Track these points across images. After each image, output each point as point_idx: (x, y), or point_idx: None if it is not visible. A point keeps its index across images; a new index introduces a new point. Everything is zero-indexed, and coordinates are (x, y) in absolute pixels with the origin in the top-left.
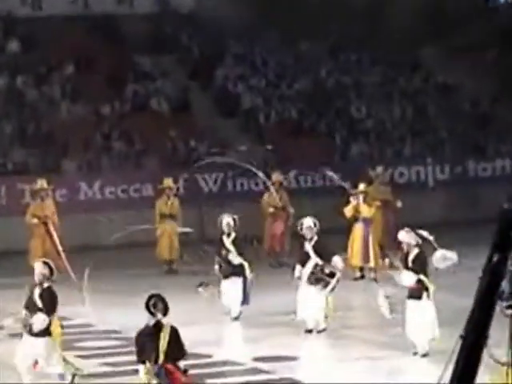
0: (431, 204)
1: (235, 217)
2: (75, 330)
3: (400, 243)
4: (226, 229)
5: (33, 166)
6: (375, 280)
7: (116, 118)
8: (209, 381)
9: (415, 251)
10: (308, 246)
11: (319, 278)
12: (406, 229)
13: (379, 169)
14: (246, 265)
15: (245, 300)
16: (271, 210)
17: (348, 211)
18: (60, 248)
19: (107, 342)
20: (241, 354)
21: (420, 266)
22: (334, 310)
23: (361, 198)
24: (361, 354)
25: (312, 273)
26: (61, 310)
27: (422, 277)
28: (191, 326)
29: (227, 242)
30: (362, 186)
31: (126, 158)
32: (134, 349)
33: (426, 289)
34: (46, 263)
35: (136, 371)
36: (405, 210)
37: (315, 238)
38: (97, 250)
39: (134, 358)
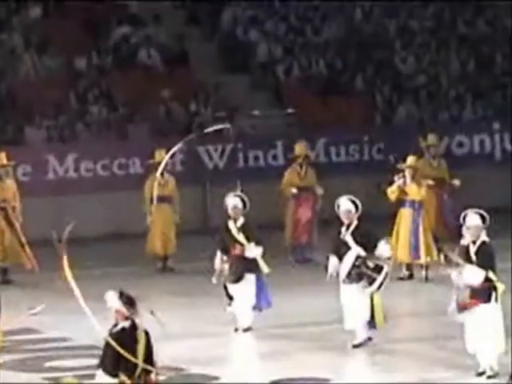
0: (498, 182)
1: (244, 196)
2: (46, 345)
3: (460, 231)
4: (232, 213)
5: None
6: (427, 280)
7: (94, 75)
8: None
9: (479, 241)
10: (346, 234)
11: (362, 273)
12: (474, 209)
13: (432, 137)
14: (259, 258)
15: (259, 304)
16: (294, 190)
17: (392, 192)
18: (23, 240)
19: (85, 361)
20: (255, 375)
21: (487, 259)
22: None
23: (408, 175)
24: (409, 375)
25: (353, 266)
26: (26, 320)
27: (490, 274)
28: (191, 338)
29: (234, 229)
30: (410, 160)
31: (108, 126)
32: None
33: (494, 289)
34: None
35: None
36: (465, 191)
37: (355, 222)
38: (70, 243)
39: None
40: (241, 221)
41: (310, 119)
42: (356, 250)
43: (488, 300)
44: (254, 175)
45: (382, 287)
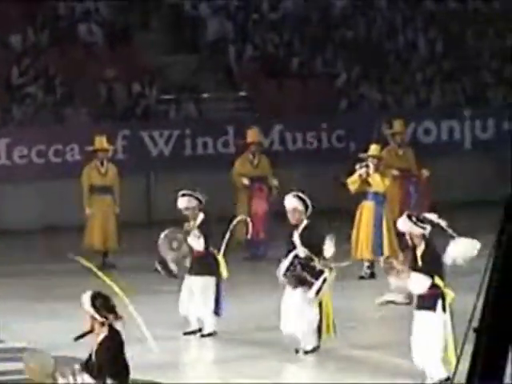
0: (468, 173)
1: (198, 195)
2: None
3: (403, 236)
4: (186, 213)
5: None
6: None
7: (29, 53)
8: None
9: (422, 245)
10: (295, 234)
11: (298, 276)
12: (406, 213)
13: (397, 124)
14: (220, 258)
15: (217, 309)
16: (246, 181)
17: (352, 183)
18: None
19: (15, 365)
20: (207, 381)
21: (433, 264)
22: (332, 324)
23: (371, 165)
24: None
25: (289, 268)
26: None
27: (437, 280)
28: (134, 341)
29: (192, 226)
30: (373, 149)
31: (44, 108)
32: None
33: (442, 297)
34: None
35: None
36: (432, 182)
37: (304, 222)
38: (2, 236)
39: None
40: (200, 218)
41: (265, 103)
42: (297, 251)
43: (433, 309)
44: (203, 164)
45: (320, 293)
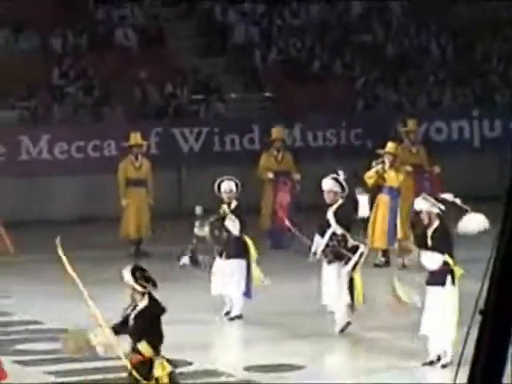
0: (477, 170)
1: (237, 181)
2: (14, 328)
3: (417, 216)
4: (225, 196)
5: None
6: (404, 266)
7: (69, 55)
8: None
9: (436, 223)
10: (329, 213)
11: (337, 252)
12: (424, 195)
13: (411, 123)
14: (250, 243)
15: (248, 291)
16: (270, 175)
17: (369, 178)
18: None
19: (55, 345)
20: (230, 361)
21: (443, 242)
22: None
23: (387, 161)
24: (383, 364)
25: (328, 244)
26: None
27: (447, 257)
28: (166, 324)
29: (221, 211)
30: (389, 146)
31: (83, 107)
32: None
33: (451, 272)
34: None
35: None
36: (442, 178)
37: (339, 201)
38: (43, 226)
39: (86, 365)
40: (234, 204)
41: (288, 103)
42: (334, 228)
43: (443, 284)
44: (230, 159)
45: (358, 267)
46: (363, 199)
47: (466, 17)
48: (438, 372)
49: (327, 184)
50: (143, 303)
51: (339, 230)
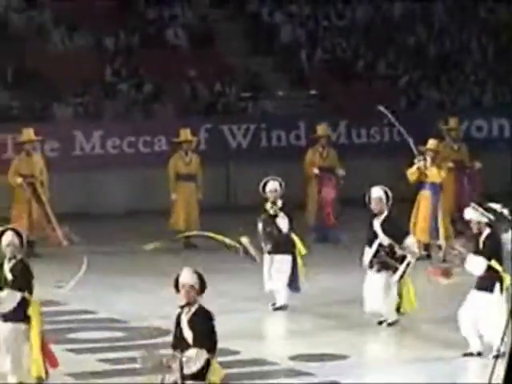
0: None
1: (281, 181)
2: (69, 317)
3: (467, 224)
4: (271, 195)
5: (17, 111)
6: (444, 261)
7: (122, 53)
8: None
9: (486, 231)
10: (376, 223)
11: (384, 262)
12: (473, 205)
13: (453, 121)
14: (297, 239)
15: (296, 285)
16: (316, 170)
17: (411, 174)
18: (51, 215)
19: (108, 334)
20: (276, 350)
21: (491, 249)
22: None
23: (429, 157)
24: (424, 355)
25: (375, 255)
26: (51, 293)
27: (493, 263)
28: (216, 314)
29: (272, 210)
30: (431, 143)
31: (134, 104)
32: (139, 342)
33: (500, 280)
34: (15, 231)
35: (139, 371)
36: (483, 174)
37: (385, 212)
38: (96, 219)
39: (136, 353)
40: (279, 203)
41: (333, 101)
42: (381, 239)
43: (491, 290)
44: (277, 155)
45: (405, 276)
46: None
47: (506, 17)
48: (478, 362)
49: (377, 192)
50: (195, 306)
51: (386, 241)
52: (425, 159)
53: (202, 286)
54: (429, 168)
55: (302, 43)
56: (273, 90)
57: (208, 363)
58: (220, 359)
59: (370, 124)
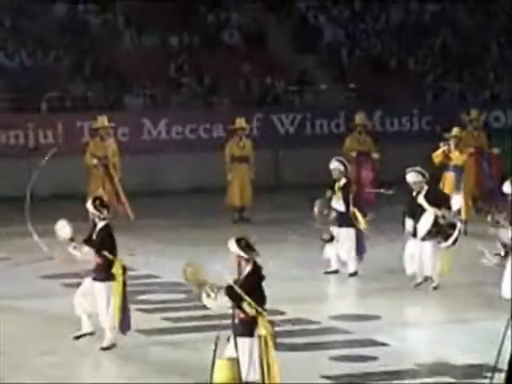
0: None
1: (345, 161)
2: (139, 281)
3: (495, 194)
4: (335, 174)
5: (93, 101)
6: (465, 234)
7: (185, 51)
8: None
9: None
10: (420, 198)
11: (440, 230)
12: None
13: (474, 112)
14: (358, 214)
15: (361, 253)
16: (354, 154)
17: (436, 157)
18: (121, 192)
19: (171, 296)
20: (320, 311)
21: None
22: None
23: (453, 143)
24: (449, 315)
25: (433, 225)
26: (124, 260)
27: None
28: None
29: (336, 187)
30: (454, 131)
31: (195, 95)
32: (195, 303)
33: None
34: (99, 200)
35: (197, 328)
36: (502, 158)
37: (425, 188)
38: (161, 195)
39: (196, 313)
40: (342, 181)
41: (369, 94)
42: (432, 211)
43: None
44: (320, 141)
45: (457, 242)
46: (458, 199)
47: None
48: None
49: (412, 177)
50: (248, 269)
51: (438, 212)
52: (449, 144)
53: None
54: (452, 152)
55: (343, 43)
56: (316, 84)
57: (255, 320)
58: (268, 318)
59: (401, 114)
